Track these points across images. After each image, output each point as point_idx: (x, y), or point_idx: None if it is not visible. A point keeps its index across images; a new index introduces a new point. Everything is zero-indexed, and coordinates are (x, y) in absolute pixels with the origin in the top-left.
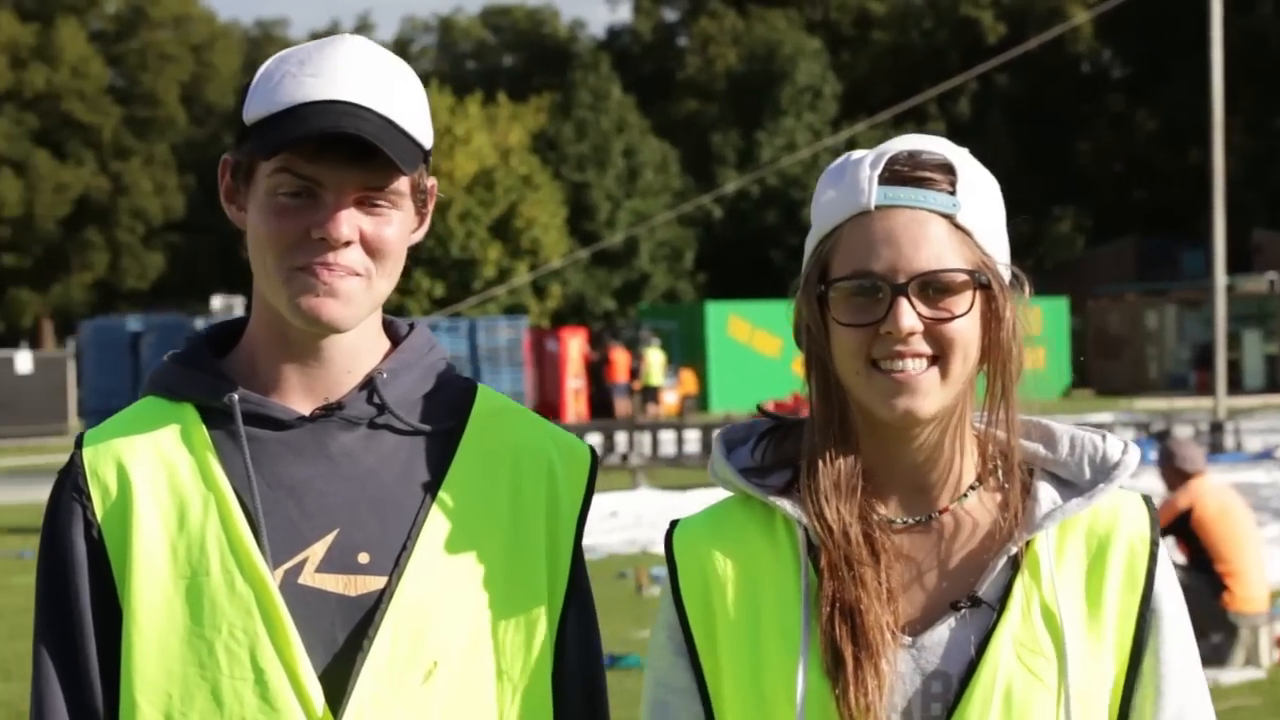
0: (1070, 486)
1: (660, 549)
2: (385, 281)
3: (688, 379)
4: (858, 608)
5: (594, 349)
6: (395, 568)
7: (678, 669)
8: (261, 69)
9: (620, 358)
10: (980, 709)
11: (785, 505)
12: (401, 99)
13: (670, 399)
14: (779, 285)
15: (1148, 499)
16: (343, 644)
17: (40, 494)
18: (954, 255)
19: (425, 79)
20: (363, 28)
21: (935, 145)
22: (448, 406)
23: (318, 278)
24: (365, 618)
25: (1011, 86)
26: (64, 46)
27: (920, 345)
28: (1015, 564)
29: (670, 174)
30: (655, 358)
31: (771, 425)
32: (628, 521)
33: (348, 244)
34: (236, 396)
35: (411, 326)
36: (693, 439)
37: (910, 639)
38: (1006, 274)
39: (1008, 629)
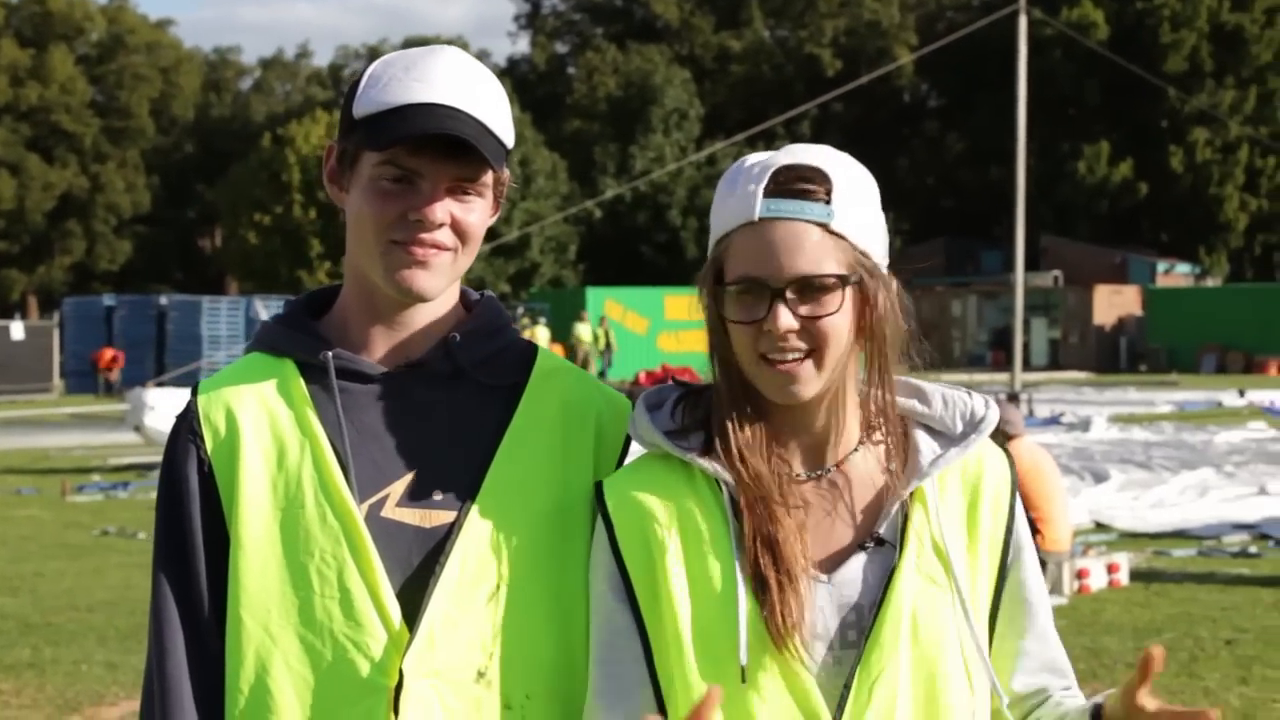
0: (944, 437)
1: None
2: (466, 258)
3: (556, 351)
4: (776, 539)
5: None
6: (464, 504)
7: (619, 613)
8: (369, 71)
9: None
10: (892, 631)
11: (706, 464)
12: (490, 104)
13: None
14: (648, 274)
15: (1006, 449)
16: (417, 568)
17: (31, 441)
18: (828, 259)
19: None
20: (303, 54)
21: (815, 156)
22: (512, 366)
23: (412, 253)
24: (437, 546)
25: (845, 113)
26: (55, 67)
27: (797, 342)
28: (906, 507)
29: (559, 180)
30: (542, 334)
31: (682, 392)
32: None
33: (439, 226)
34: (331, 354)
35: (482, 296)
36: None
37: (825, 577)
38: (884, 263)
39: (908, 562)
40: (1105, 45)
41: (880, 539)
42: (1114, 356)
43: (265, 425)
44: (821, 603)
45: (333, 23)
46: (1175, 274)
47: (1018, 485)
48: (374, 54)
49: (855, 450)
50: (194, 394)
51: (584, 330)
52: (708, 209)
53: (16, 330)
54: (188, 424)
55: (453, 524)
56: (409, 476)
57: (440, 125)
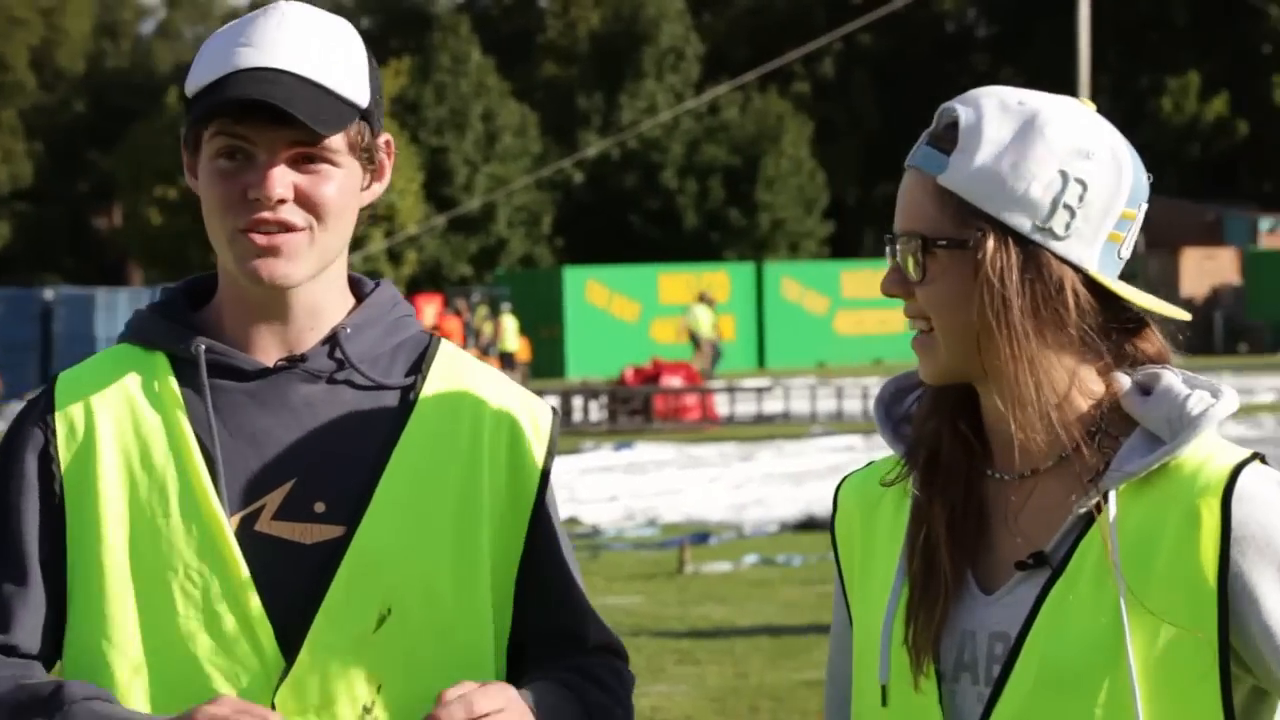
0: (1157, 441)
1: None
2: (331, 237)
3: (522, 346)
4: (936, 556)
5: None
6: (353, 518)
7: (839, 606)
8: (204, 44)
9: (452, 325)
10: (1024, 674)
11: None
12: (333, 61)
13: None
14: (639, 250)
15: (1257, 456)
16: (297, 590)
17: None
18: (924, 218)
19: None
20: None
21: (970, 95)
22: (409, 362)
23: (256, 240)
24: (320, 565)
25: (876, 46)
26: None
27: (915, 310)
28: (1088, 523)
29: (529, 137)
30: (509, 324)
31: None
32: None
33: (282, 202)
34: (202, 346)
35: (377, 284)
36: (551, 403)
37: (987, 596)
38: (1021, 222)
39: (1061, 591)
40: None
41: (1042, 557)
42: (1207, 334)
43: (128, 424)
44: (973, 626)
45: None
46: None
47: (1240, 507)
48: None
49: (1070, 454)
50: (50, 383)
51: (702, 315)
52: (708, 168)
53: None
54: (38, 412)
55: (338, 540)
56: (288, 486)
57: (247, 91)
